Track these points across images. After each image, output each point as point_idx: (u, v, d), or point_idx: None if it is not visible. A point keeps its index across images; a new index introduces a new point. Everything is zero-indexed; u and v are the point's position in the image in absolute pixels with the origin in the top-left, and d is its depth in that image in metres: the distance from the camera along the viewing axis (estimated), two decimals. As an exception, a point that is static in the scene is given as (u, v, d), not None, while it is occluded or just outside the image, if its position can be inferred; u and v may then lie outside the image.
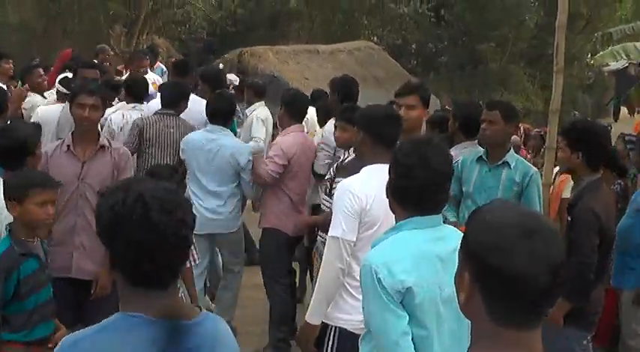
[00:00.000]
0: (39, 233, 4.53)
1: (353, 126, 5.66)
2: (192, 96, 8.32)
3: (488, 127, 6.18)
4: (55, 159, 5.65)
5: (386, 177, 3.72)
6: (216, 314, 7.02)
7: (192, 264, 5.85)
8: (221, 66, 14.50)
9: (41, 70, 9.96)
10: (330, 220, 4.71)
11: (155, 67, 14.92)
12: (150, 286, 2.36)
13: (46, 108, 7.95)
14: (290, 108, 7.45)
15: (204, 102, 8.03)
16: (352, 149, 5.97)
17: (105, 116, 7.06)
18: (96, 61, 12.64)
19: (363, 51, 23.93)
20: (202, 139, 7.32)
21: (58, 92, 8.44)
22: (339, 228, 4.56)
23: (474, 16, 30.18)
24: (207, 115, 7.48)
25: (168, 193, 2.38)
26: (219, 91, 8.30)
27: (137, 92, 8.59)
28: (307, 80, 19.95)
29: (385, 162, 4.44)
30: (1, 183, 4.68)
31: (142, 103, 8.57)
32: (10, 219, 4.50)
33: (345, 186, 4.67)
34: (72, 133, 5.80)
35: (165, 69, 15.01)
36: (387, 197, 3.70)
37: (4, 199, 4.50)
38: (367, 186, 4.52)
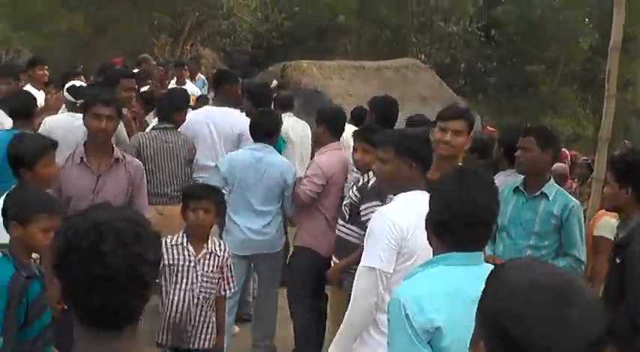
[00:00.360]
0: (41, 258, 4.29)
1: (374, 148, 5.42)
2: (223, 109, 8.01)
3: (522, 154, 5.77)
4: (67, 172, 5.35)
5: (426, 206, 3.40)
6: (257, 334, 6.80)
7: (228, 292, 5.55)
8: (275, 83, 14.24)
9: (81, 77, 9.85)
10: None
11: (197, 78, 14.72)
12: (100, 327, 2.07)
13: (52, 119, 7.66)
14: (329, 126, 7.15)
15: (236, 114, 7.72)
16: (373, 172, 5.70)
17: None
18: (137, 71, 12.53)
19: (410, 68, 23.59)
20: (250, 158, 7.02)
21: (66, 101, 8.16)
22: (377, 258, 4.22)
23: (525, 36, 29.75)
24: (250, 133, 7.21)
25: (128, 224, 2.09)
26: (265, 109, 8.03)
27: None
28: (351, 96, 19.65)
29: (422, 188, 4.21)
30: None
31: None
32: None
33: (385, 215, 4.33)
34: (84, 145, 5.48)
35: (206, 80, 14.80)
36: (426, 229, 3.38)
37: (2, 216, 4.21)
38: (407, 215, 4.18)
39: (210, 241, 5.29)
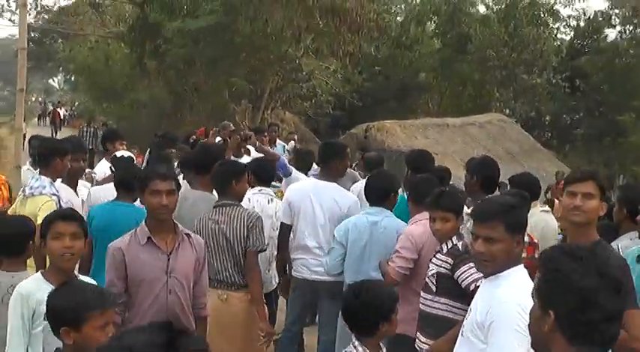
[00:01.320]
0: None
1: (454, 214, 5.11)
2: (330, 184, 7.63)
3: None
4: (133, 254, 4.97)
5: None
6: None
7: None
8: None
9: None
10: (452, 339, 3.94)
11: (276, 144, 14.59)
12: None
13: (98, 188, 7.50)
14: (415, 195, 6.63)
15: (343, 190, 7.31)
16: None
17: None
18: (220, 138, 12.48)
19: (495, 124, 23.17)
20: (365, 222, 6.68)
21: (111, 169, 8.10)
22: (514, 350, 3.73)
23: (612, 85, 29.06)
24: (365, 196, 6.83)
25: (158, 349, 2.06)
26: (378, 170, 7.68)
27: (263, 174, 7.99)
28: (436, 155, 19.27)
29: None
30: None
31: (269, 186, 8.00)
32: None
33: (515, 300, 3.75)
34: (146, 223, 5.21)
35: (285, 146, 14.66)
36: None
37: (51, 324, 3.62)
38: (529, 298, 3.58)
39: None
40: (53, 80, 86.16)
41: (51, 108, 50.66)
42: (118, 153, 8.61)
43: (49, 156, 6.50)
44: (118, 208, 6.54)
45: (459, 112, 28.47)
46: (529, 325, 2.73)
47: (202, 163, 6.97)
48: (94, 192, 7.28)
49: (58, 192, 6.34)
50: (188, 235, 5.13)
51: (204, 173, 6.84)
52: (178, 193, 5.21)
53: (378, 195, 6.71)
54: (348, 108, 28.77)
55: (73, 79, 50.13)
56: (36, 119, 56.19)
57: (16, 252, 4.95)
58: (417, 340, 5.50)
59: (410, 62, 32.56)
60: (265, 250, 6.48)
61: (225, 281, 6.17)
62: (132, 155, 8.74)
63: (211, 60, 24.05)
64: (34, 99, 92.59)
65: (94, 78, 35.02)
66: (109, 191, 6.88)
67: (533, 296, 2.74)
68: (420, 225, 6.18)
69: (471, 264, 5.02)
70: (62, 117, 51.20)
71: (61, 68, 51.04)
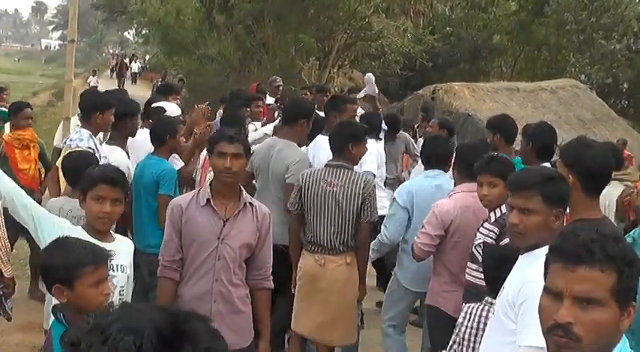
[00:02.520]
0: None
1: (503, 180, 4.83)
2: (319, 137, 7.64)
3: None
4: (191, 214, 4.93)
5: None
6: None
7: None
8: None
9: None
10: None
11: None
12: None
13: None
14: (459, 163, 6.38)
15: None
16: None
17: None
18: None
19: (568, 90, 22.64)
20: (429, 186, 6.55)
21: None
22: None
23: (695, 53, 28.19)
24: (424, 160, 6.86)
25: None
26: (435, 135, 7.65)
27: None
28: (504, 120, 18.96)
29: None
30: None
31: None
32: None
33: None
34: (210, 185, 5.03)
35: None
36: None
37: (45, 283, 3.58)
38: None
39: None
40: (128, 33, 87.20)
41: (119, 60, 50.23)
42: (156, 104, 8.48)
43: (89, 110, 6.45)
44: (146, 162, 6.63)
45: (532, 77, 27.97)
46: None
47: (290, 115, 7.13)
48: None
49: (97, 146, 6.28)
50: (252, 204, 5.02)
51: (290, 123, 7.04)
52: (248, 158, 5.17)
53: (437, 159, 6.60)
54: (419, 69, 28.40)
55: (145, 32, 50.48)
56: (109, 71, 56.67)
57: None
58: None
59: (484, 24, 32.00)
60: (376, 221, 6.38)
61: (325, 245, 6.11)
62: (173, 105, 8.58)
63: (279, 16, 23.97)
64: (110, 51, 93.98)
65: (165, 31, 35.26)
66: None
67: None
68: (451, 200, 6.00)
69: None
70: (135, 71, 51.81)
71: (134, 21, 51.43)
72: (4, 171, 4.71)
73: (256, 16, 24.49)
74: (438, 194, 6.33)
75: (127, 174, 6.38)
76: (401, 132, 10.16)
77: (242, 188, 5.07)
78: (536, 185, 3.67)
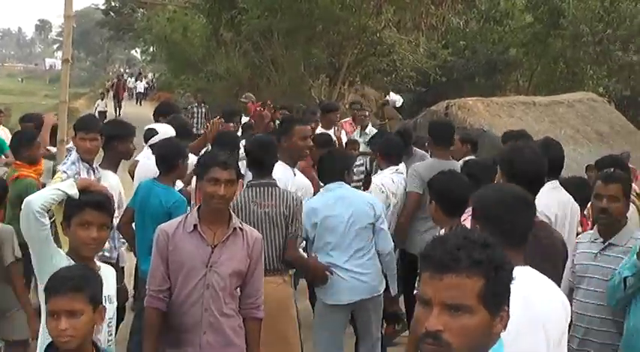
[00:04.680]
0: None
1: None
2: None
3: None
4: (177, 241, 4.92)
5: None
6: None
7: None
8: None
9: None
10: None
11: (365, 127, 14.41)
12: None
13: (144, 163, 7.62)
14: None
15: None
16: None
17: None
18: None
19: (585, 103, 22.63)
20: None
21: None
22: None
23: None
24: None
25: None
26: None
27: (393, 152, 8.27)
28: (520, 135, 18.99)
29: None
30: None
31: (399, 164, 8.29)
32: None
33: None
34: (198, 210, 5.03)
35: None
36: None
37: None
38: None
39: None
40: (135, 51, 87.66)
41: (115, 80, 47.64)
42: (154, 125, 8.38)
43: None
44: (152, 188, 6.61)
45: (550, 90, 27.94)
46: None
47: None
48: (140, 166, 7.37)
49: (78, 170, 6.34)
50: (242, 229, 5.03)
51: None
52: (238, 182, 5.14)
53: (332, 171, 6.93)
54: (432, 84, 28.46)
55: (152, 50, 50.69)
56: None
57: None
58: None
59: (499, 37, 32.08)
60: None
61: (266, 266, 6.06)
62: (167, 127, 8.25)
63: (288, 32, 24.10)
64: (115, 70, 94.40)
65: (172, 49, 35.52)
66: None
67: None
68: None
69: None
70: (141, 90, 51.11)
71: (141, 39, 51.71)
72: None
73: (264, 32, 24.62)
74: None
75: (118, 200, 6.49)
76: (416, 149, 10.12)
77: (232, 213, 5.08)
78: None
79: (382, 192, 7.90)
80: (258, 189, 6.19)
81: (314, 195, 7.09)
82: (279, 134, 7.27)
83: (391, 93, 12.12)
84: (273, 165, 6.37)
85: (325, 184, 6.98)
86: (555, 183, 6.12)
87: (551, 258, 4.42)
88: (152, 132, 7.96)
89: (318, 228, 6.65)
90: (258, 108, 13.18)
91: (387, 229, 7.00)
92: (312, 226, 6.62)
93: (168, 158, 6.67)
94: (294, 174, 7.02)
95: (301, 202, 6.34)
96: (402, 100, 11.84)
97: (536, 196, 4.54)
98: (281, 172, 6.69)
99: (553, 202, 5.80)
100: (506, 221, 3.41)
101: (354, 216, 6.66)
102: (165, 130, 8.01)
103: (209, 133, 8.15)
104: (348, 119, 13.93)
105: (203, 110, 21.94)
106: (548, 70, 32.45)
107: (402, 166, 8.25)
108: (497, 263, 2.31)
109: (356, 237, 6.69)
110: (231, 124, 9.81)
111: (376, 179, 8.26)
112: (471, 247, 2.29)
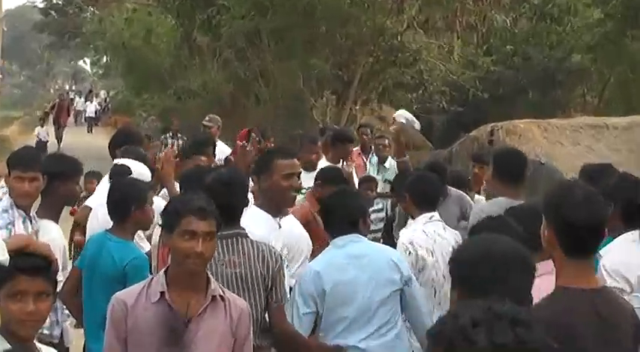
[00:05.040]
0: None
1: None
2: None
3: None
4: (139, 314, 4.78)
5: None
6: None
7: None
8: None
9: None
10: None
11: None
12: None
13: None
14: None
15: None
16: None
17: None
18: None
19: (674, 125, 22.64)
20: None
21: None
22: None
23: None
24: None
25: None
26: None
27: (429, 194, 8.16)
28: (589, 168, 18.93)
29: None
30: None
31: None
32: None
33: None
34: (165, 273, 4.87)
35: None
36: None
37: None
38: None
39: None
40: (84, 62, 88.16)
41: (56, 100, 46.55)
42: (120, 161, 8.28)
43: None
44: (104, 243, 6.52)
45: (628, 109, 27.93)
46: None
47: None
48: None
49: (11, 220, 6.33)
50: (222, 297, 4.90)
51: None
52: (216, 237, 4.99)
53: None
54: (472, 101, 28.47)
55: (105, 60, 50.92)
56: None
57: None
58: None
59: (559, 39, 32.12)
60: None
61: None
62: (142, 167, 8.19)
63: (281, 35, 24.09)
64: (57, 87, 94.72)
65: (132, 58, 35.63)
66: None
67: None
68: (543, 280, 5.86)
69: None
70: (91, 115, 51.42)
71: (91, 46, 51.92)
72: None
73: (250, 35, 24.57)
74: None
75: (62, 259, 6.41)
76: (451, 189, 10.00)
77: (210, 276, 4.96)
78: None
79: (409, 253, 7.68)
80: (224, 242, 5.88)
81: (320, 251, 6.90)
82: (256, 172, 7.01)
83: (400, 111, 11.77)
84: (242, 210, 6.15)
85: (333, 237, 6.79)
86: (636, 234, 5.99)
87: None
88: (123, 170, 7.84)
89: (327, 298, 6.45)
90: (242, 143, 13.01)
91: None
92: (320, 296, 6.41)
93: (119, 202, 6.58)
94: (279, 226, 6.82)
95: (282, 258, 6.15)
96: (417, 123, 11.61)
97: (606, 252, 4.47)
98: (261, 224, 6.48)
99: (634, 259, 5.67)
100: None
101: (375, 279, 6.51)
102: (141, 171, 7.91)
103: (160, 171, 8.05)
104: (356, 148, 13.69)
105: (180, 142, 21.43)
106: (624, 82, 32.49)
107: (436, 214, 8.09)
108: (529, 347, 2.18)
109: (379, 309, 6.51)
110: (203, 158, 9.56)
111: (404, 236, 8.04)
112: (493, 324, 2.19)
